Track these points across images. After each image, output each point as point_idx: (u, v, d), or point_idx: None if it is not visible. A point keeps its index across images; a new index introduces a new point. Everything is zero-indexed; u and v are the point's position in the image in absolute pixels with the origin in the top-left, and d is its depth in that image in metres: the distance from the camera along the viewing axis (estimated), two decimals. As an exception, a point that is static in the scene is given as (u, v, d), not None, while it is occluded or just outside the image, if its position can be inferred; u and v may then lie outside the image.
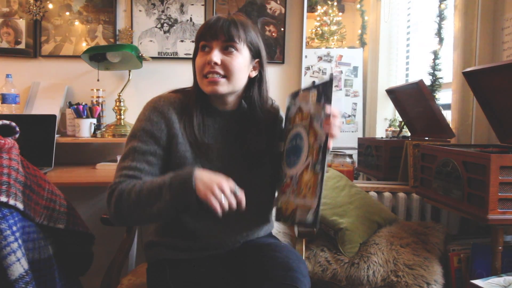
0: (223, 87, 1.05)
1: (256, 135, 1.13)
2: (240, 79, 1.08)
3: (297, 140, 1.06)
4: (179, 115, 1.08)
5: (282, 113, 1.24)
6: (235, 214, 1.10)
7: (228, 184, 0.93)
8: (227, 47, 1.05)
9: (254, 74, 1.13)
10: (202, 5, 2.14)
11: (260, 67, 1.14)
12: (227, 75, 1.05)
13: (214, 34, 1.04)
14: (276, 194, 1.17)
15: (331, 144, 0.97)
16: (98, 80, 2.04)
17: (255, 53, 1.11)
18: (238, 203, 0.93)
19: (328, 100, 0.96)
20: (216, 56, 1.03)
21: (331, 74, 0.99)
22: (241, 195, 0.94)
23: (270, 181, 1.19)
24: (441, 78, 2.17)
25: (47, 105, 2.05)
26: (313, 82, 1.04)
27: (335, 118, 0.95)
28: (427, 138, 2.05)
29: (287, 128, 1.15)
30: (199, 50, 1.08)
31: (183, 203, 0.93)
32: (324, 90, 0.99)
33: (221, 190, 0.91)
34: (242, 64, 1.07)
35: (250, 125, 1.13)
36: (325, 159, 0.94)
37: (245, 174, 1.13)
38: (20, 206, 1.04)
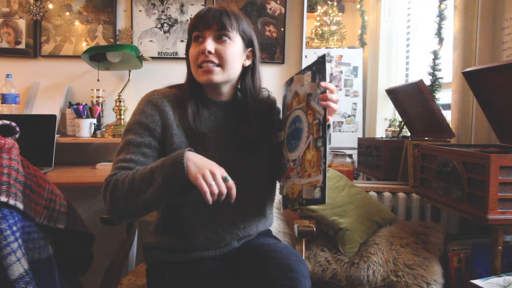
0: (218, 75, 1.06)
1: (249, 123, 1.13)
2: (235, 68, 1.09)
3: (296, 123, 1.06)
4: (173, 107, 1.08)
5: (280, 105, 1.25)
6: (232, 206, 1.11)
7: (219, 170, 0.92)
8: (220, 36, 1.06)
9: (247, 63, 1.14)
10: (202, 5, 2.14)
11: (253, 56, 1.14)
12: (222, 63, 1.06)
13: (207, 24, 1.05)
14: (280, 184, 1.17)
15: (331, 119, 0.98)
16: (98, 80, 2.04)
17: (248, 42, 1.12)
18: (228, 191, 0.92)
19: (323, 77, 0.97)
20: (210, 45, 1.04)
21: (324, 54, 1.00)
22: (232, 183, 0.92)
23: (268, 172, 1.18)
24: (441, 78, 2.17)
25: (47, 105, 2.05)
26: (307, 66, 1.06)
27: (331, 93, 0.96)
28: (427, 138, 2.05)
29: (285, 115, 1.15)
30: (192, 41, 1.09)
31: (175, 184, 0.91)
32: (318, 69, 1.00)
33: (212, 175, 0.90)
34: (235, 52, 1.07)
35: (244, 114, 1.14)
36: (326, 134, 0.94)
37: (242, 165, 1.12)
38: (20, 206, 1.04)
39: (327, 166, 0.94)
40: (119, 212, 0.99)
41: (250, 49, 1.13)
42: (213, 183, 0.89)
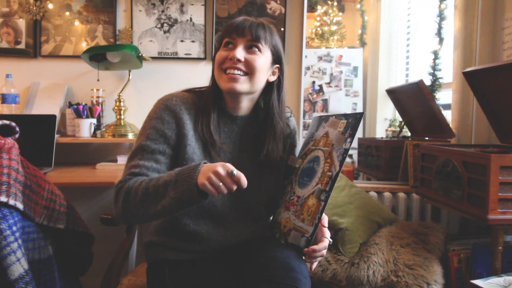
0: (242, 85, 1.04)
1: (274, 141, 1.13)
2: (260, 80, 1.07)
3: (314, 163, 1.07)
4: (190, 115, 1.07)
5: (295, 126, 1.25)
6: (236, 219, 1.11)
7: (223, 168, 0.90)
8: (252, 46, 1.05)
9: (272, 79, 1.12)
10: (202, 5, 2.14)
11: (279, 73, 1.13)
12: (249, 72, 1.04)
13: (241, 32, 1.03)
14: (279, 207, 1.17)
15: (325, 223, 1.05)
16: (98, 80, 2.04)
17: (276, 58, 1.11)
18: (237, 182, 0.90)
19: (352, 134, 0.99)
20: (240, 53, 1.03)
21: (363, 113, 1.04)
22: (239, 175, 0.90)
23: (277, 189, 1.19)
24: (441, 78, 2.17)
25: (47, 105, 2.05)
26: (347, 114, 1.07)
27: (317, 253, 0.99)
28: (427, 138, 2.05)
29: (309, 146, 1.14)
30: (222, 47, 1.07)
31: (187, 198, 0.92)
32: (352, 124, 1.01)
33: (217, 176, 0.88)
34: (264, 65, 1.06)
35: (268, 131, 1.13)
36: (331, 191, 0.97)
37: (254, 180, 1.12)
38: (20, 206, 1.04)
39: (320, 222, 0.98)
40: (130, 218, 1.02)
41: (277, 65, 1.12)
42: (220, 184, 0.89)
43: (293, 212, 1.06)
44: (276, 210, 1.16)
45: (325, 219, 1.05)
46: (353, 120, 1.02)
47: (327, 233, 1.04)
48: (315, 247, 0.99)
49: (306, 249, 0.99)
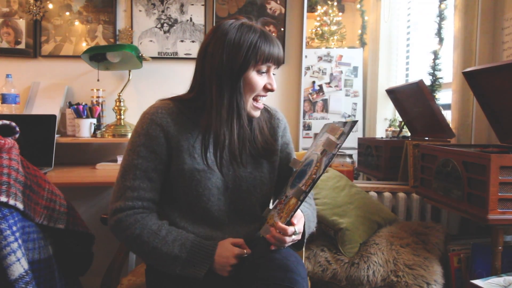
0: None
1: (259, 130, 1.15)
2: None
3: (308, 166, 1.08)
4: (178, 126, 1.06)
5: (280, 115, 1.25)
6: (233, 221, 1.12)
7: (235, 257, 1.01)
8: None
9: None
10: (202, 5, 2.14)
11: None
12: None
13: (276, 62, 1.07)
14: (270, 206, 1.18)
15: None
16: (98, 80, 2.04)
17: None
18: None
19: (343, 141, 1.01)
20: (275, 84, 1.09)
21: (357, 121, 1.04)
22: (245, 253, 1.03)
23: (272, 190, 1.19)
24: (441, 78, 2.18)
25: (47, 105, 2.05)
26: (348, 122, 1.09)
27: (285, 235, 0.98)
28: (427, 138, 2.05)
29: (310, 151, 1.16)
30: (255, 69, 1.05)
31: (192, 276, 1.01)
32: (346, 130, 1.03)
33: (233, 266, 1.01)
34: None
35: (259, 124, 1.16)
36: (309, 192, 0.98)
37: (249, 181, 1.13)
38: (20, 206, 1.04)
39: (291, 219, 0.99)
40: (127, 247, 1.11)
41: None
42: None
43: (277, 210, 1.08)
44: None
45: (296, 217, 1.03)
46: (347, 127, 1.03)
47: (297, 228, 1.01)
48: (281, 225, 0.98)
49: (272, 227, 0.99)
